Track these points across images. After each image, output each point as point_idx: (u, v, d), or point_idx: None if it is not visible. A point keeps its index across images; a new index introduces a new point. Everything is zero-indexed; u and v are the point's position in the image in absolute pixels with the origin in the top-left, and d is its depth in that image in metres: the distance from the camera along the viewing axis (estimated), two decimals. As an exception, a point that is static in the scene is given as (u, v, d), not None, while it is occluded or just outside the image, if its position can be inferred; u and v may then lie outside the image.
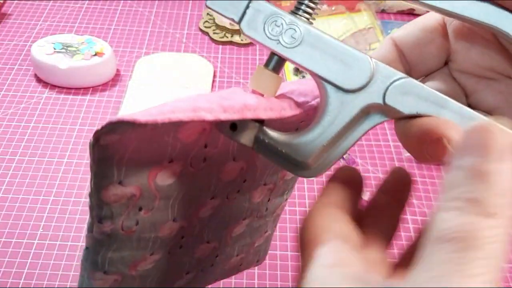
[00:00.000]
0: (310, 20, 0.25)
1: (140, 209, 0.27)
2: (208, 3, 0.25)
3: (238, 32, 0.87)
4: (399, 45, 0.26)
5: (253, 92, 0.26)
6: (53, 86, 0.75)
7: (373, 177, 0.66)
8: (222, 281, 0.54)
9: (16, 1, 0.91)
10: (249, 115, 0.24)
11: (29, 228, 0.57)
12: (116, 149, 0.24)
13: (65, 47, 0.75)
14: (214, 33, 0.88)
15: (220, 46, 0.87)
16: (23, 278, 0.52)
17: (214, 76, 0.80)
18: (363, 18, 0.88)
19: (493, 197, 0.17)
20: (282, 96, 0.27)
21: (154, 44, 0.86)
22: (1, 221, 0.57)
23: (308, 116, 0.27)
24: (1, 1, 0.86)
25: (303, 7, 0.25)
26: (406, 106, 0.22)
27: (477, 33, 0.24)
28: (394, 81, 0.22)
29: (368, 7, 0.94)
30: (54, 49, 0.75)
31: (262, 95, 0.26)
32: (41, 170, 0.63)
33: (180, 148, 0.26)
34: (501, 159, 0.17)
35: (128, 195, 0.26)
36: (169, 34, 0.89)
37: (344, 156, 0.68)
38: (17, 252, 0.54)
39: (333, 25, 0.85)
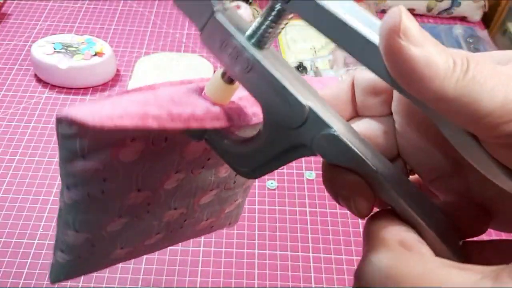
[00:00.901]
0: (265, 46, 0.25)
1: (105, 180, 0.28)
2: (176, 2, 0.25)
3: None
4: (354, 85, 0.27)
5: (207, 97, 0.27)
6: (53, 86, 0.75)
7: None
8: (221, 280, 0.54)
9: (16, 1, 0.91)
10: (195, 125, 0.25)
11: (29, 228, 0.57)
12: (78, 131, 0.25)
13: (65, 47, 0.75)
14: (214, 33, 0.88)
15: (220, 46, 0.87)
16: (23, 278, 0.52)
17: (214, 76, 0.80)
18: (363, 18, 0.88)
19: None
20: (235, 105, 0.28)
21: (154, 44, 0.86)
22: (1, 221, 0.57)
23: (254, 126, 0.28)
24: (1, 1, 0.87)
25: (257, 35, 0.24)
26: (328, 155, 0.24)
27: (415, 113, 0.25)
28: (322, 131, 0.23)
29: (368, 7, 0.94)
30: (54, 49, 0.75)
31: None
32: (41, 170, 0.63)
33: (141, 129, 0.27)
34: None
35: (92, 168, 0.27)
36: (169, 34, 0.89)
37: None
38: (17, 252, 0.54)
39: (333, 25, 0.85)
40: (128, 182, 0.29)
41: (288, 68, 0.25)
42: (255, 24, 0.24)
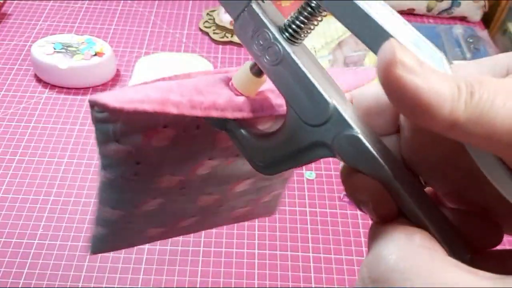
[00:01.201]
0: (297, 41, 0.25)
1: (138, 163, 0.29)
2: None
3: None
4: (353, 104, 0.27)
5: (233, 88, 0.27)
6: (53, 86, 0.75)
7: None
8: (221, 280, 0.54)
9: (16, 1, 0.91)
10: (215, 114, 0.26)
11: (29, 228, 0.57)
12: (109, 116, 0.26)
13: (65, 47, 0.75)
14: (214, 33, 0.88)
15: (220, 46, 0.87)
16: (23, 278, 0.52)
17: (214, 76, 0.80)
18: (363, 18, 0.88)
19: None
20: (261, 94, 0.28)
21: (154, 44, 0.86)
22: (1, 221, 0.57)
23: (278, 118, 0.28)
24: (1, 1, 0.87)
25: (290, 29, 0.24)
26: (348, 157, 0.23)
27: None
28: (345, 131, 0.23)
29: (368, 7, 0.94)
30: (54, 49, 0.75)
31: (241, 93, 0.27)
32: (41, 170, 0.63)
33: (173, 116, 0.28)
34: None
35: (125, 151, 0.28)
36: (169, 34, 0.89)
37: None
38: (17, 252, 0.54)
39: (333, 25, 0.85)
40: (161, 166, 0.30)
41: (318, 65, 0.25)
42: (289, 18, 0.24)
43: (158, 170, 0.30)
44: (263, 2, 0.25)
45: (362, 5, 0.22)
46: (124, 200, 0.31)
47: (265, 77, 0.27)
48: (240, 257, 0.56)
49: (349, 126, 0.23)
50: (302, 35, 0.25)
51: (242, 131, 0.27)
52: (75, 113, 0.72)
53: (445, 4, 0.98)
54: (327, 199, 0.63)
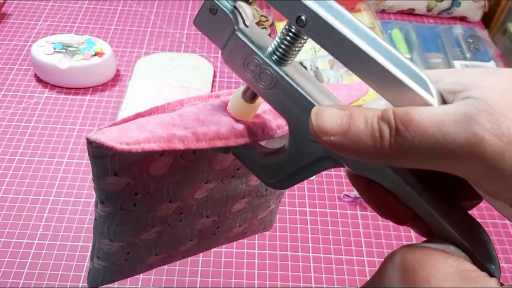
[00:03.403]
0: (288, 62, 0.25)
1: (136, 193, 0.29)
2: (196, 22, 0.26)
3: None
4: None
5: (230, 115, 0.27)
6: (53, 86, 0.75)
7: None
8: (221, 280, 0.54)
9: (16, 1, 0.91)
10: (220, 144, 0.26)
11: (29, 228, 0.57)
12: (107, 152, 0.25)
13: (65, 47, 0.75)
14: (214, 33, 0.88)
15: (220, 46, 0.87)
16: (23, 278, 0.52)
17: (214, 76, 0.80)
18: (363, 18, 0.88)
19: None
20: (259, 119, 0.28)
21: (154, 44, 0.86)
22: (1, 221, 0.57)
23: (280, 138, 0.29)
24: (1, 1, 0.87)
25: (278, 52, 0.24)
26: (356, 168, 0.24)
27: None
28: None
29: (368, 7, 0.94)
30: (54, 49, 0.75)
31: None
32: (41, 170, 0.63)
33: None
34: None
35: (124, 183, 0.28)
36: (169, 34, 0.89)
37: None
38: (17, 252, 0.54)
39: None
40: (159, 194, 0.30)
41: (311, 81, 0.25)
42: (274, 42, 0.25)
43: (156, 198, 0.30)
44: (247, 27, 0.25)
45: (342, 30, 0.22)
46: (123, 231, 0.31)
47: (259, 101, 0.27)
48: (240, 257, 0.56)
49: None
50: (291, 56, 0.25)
51: (248, 152, 0.27)
52: (75, 113, 0.72)
53: (445, 4, 0.98)
54: (327, 199, 0.63)
